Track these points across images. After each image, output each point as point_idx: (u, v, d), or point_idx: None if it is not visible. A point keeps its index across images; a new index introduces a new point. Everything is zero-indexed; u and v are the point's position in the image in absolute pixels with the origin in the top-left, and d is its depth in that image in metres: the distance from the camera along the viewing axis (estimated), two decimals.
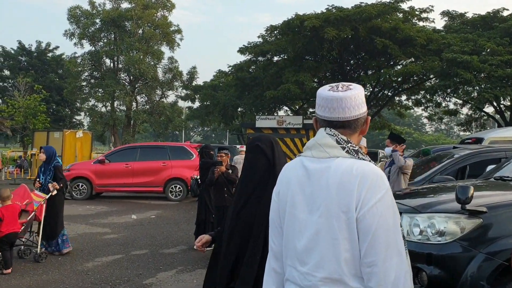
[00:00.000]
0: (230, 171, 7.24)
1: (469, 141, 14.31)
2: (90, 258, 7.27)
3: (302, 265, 1.68)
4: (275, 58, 26.65)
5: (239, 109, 31.10)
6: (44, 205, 6.65)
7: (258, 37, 27.00)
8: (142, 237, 8.99)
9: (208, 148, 8.30)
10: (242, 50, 26.05)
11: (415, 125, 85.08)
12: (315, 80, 25.67)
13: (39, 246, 6.77)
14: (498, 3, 63.58)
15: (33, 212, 6.41)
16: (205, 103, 31.85)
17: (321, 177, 1.67)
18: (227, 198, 7.17)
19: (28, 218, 6.35)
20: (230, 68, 29.69)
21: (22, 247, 6.77)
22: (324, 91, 1.77)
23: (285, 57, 25.12)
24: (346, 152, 1.69)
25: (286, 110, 33.89)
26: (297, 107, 31.78)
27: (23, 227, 6.25)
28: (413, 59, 23.52)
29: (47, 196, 6.70)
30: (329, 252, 1.61)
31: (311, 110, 33.52)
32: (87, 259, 7.20)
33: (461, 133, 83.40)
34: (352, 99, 1.72)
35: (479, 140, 13.71)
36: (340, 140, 1.71)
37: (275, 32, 25.27)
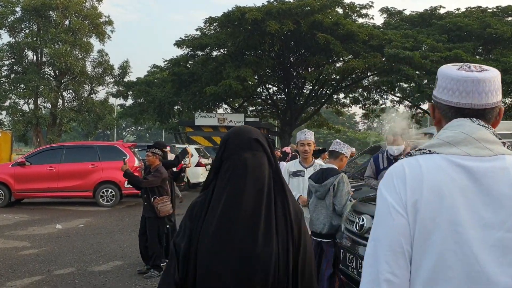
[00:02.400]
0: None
1: (419, 137, 14.05)
2: (1, 282, 5.87)
3: None
4: (215, 53, 25.55)
5: (176, 107, 29.70)
6: None
7: (196, 30, 25.77)
8: (67, 251, 7.62)
9: (160, 145, 7.06)
10: (179, 44, 24.69)
11: (349, 123, 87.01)
12: (256, 77, 24.90)
13: None
14: (435, 1, 65.92)
15: None
16: (139, 100, 30.17)
17: (497, 181, 1.29)
18: (145, 207, 6.38)
19: None
20: (166, 63, 28.21)
21: None
22: (454, 71, 1.39)
23: (225, 51, 24.09)
24: (507, 148, 1.35)
25: (226, 108, 32.94)
26: (236, 105, 30.89)
27: None
28: (351, 56, 23.34)
29: None
30: None
31: (251, 108, 32.80)
32: None
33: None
34: (493, 82, 1.36)
35: (430, 136, 13.45)
36: (495, 133, 1.37)
37: (215, 24, 24.17)
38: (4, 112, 31.97)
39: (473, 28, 20.95)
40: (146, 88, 28.95)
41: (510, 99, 23.82)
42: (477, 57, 21.06)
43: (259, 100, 31.54)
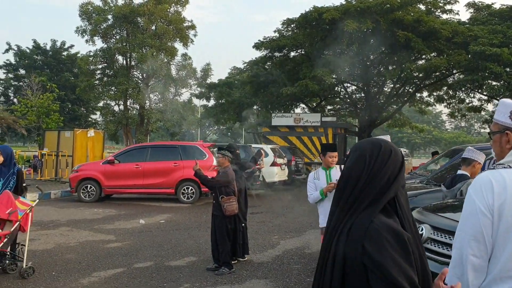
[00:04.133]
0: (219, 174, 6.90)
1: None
2: (88, 272, 6.49)
3: None
4: (292, 54, 25.71)
5: (255, 107, 30.28)
6: (30, 214, 5.87)
7: (275, 31, 26.08)
8: (148, 246, 8.19)
9: (232, 148, 7.47)
10: (257, 46, 25.16)
11: (435, 123, 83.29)
12: (334, 76, 24.71)
13: (24, 260, 5.99)
14: None
15: (18, 222, 5.63)
16: (220, 101, 31.10)
17: None
18: (214, 205, 6.81)
19: (12, 229, 5.57)
20: (245, 64, 28.87)
21: (7, 261, 5.99)
22: None
23: (303, 52, 24.16)
24: None
25: (303, 108, 33.00)
26: (314, 104, 30.83)
27: (6, 239, 5.48)
28: (435, 54, 22.41)
29: (34, 204, 5.93)
30: None
31: (329, 107, 32.59)
32: (83, 273, 6.41)
33: (482, 130, 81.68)
34: None
35: None
36: None
37: (292, 25, 24.33)
38: (98, 113, 34.48)
39: None
40: (227, 90, 29.80)
41: None
42: None
43: (337, 99, 31.24)
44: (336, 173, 5.50)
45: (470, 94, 26.44)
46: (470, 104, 27.39)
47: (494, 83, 20.90)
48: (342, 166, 5.52)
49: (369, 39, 21.88)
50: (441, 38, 20.46)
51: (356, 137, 29.18)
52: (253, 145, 18.85)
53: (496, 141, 2.06)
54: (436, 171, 9.19)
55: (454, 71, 23.44)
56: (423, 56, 23.01)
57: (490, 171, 1.90)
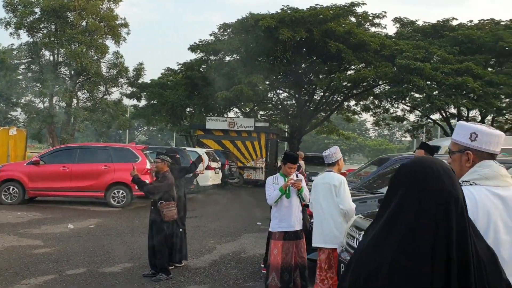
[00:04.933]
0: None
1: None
2: (16, 280, 6.15)
3: None
4: (228, 58, 25.86)
5: (188, 109, 30.03)
6: None
7: (210, 35, 26.10)
8: (79, 251, 7.89)
9: (171, 153, 7.39)
10: (193, 48, 25.02)
11: (359, 130, 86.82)
12: (267, 82, 25.13)
13: None
14: (448, 12, 65.95)
15: None
16: (152, 101, 30.53)
17: (509, 203, 2.07)
18: (152, 210, 6.70)
19: None
20: (180, 66, 28.58)
21: None
22: (490, 129, 2.23)
23: (238, 57, 24.35)
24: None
25: (236, 112, 33.22)
26: (247, 109, 31.15)
27: None
28: (363, 65, 23.47)
29: None
30: None
31: (261, 112, 33.05)
32: (12, 281, 6.07)
33: (403, 138, 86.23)
34: None
35: (435, 148, 13.54)
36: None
37: (228, 30, 24.46)
38: (19, 110, 32.54)
39: (485, 41, 20.96)
40: (159, 90, 29.30)
41: None
42: (489, 69, 21.05)
43: (270, 105, 31.77)
44: (292, 177, 5.74)
45: (394, 105, 27.95)
46: (394, 114, 28.96)
47: (416, 95, 22.23)
48: (299, 174, 5.75)
49: (302, 48, 22.53)
50: (370, 50, 21.48)
51: (286, 143, 29.83)
52: (187, 149, 18.70)
53: (456, 160, 2.26)
54: (366, 178, 9.63)
55: (380, 82, 24.67)
56: (353, 67, 24.01)
57: (463, 187, 1.85)
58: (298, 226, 5.69)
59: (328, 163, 5.46)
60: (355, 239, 4.00)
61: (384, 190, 7.37)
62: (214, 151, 20.13)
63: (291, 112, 29.17)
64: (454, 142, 2.33)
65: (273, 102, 30.33)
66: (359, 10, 22.52)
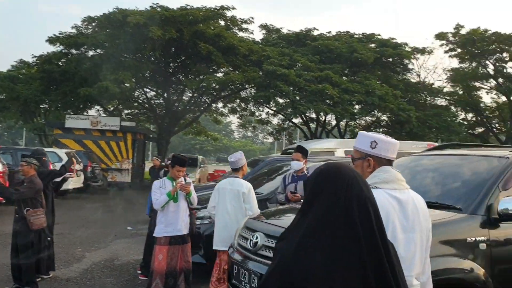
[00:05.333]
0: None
1: (292, 150, 14.92)
2: None
3: None
4: (91, 53, 24.37)
5: (43, 106, 27.66)
6: None
7: (72, 27, 24.34)
8: None
9: (37, 155, 6.63)
10: (52, 40, 23.10)
11: (225, 131, 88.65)
12: (133, 80, 24.27)
13: None
14: (310, 23, 70.64)
15: None
16: (1, 96, 27.51)
17: (408, 205, 2.33)
18: (16, 219, 5.95)
19: None
20: (35, 58, 26.16)
21: None
22: (387, 138, 2.50)
23: (102, 52, 23.10)
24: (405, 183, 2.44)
25: (98, 110, 31.48)
26: (111, 107, 29.71)
27: None
28: (231, 68, 23.96)
29: None
30: (418, 259, 2.33)
31: (126, 111, 31.80)
32: None
33: (265, 140, 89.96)
34: None
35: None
36: None
37: (93, 24, 23.08)
38: None
39: (342, 51, 22.88)
40: (9, 84, 26.50)
41: (370, 118, 26.45)
42: (344, 78, 23.00)
43: (135, 104, 30.73)
44: (180, 181, 5.59)
45: (260, 108, 29.05)
46: (259, 117, 30.09)
47: (281, 100, 23.37)
48: (187, 178, 5.64)
49: (172, 47, 22.22)
50: (239, 54, 22.00)
51: (155, 143, 29.16)
52: (45, 149, 17.16)
53: (358, 166, 2.46)
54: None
55: (247, 86, 25.43)
56: (222, 70, 24.36)
57: None
58: (185, 230, 5.57)
59: (233, 168, 5.60)
60: (249, 240, 4.03)
61: (262, 190, 7.57)
62: (75, 152, 18.80)
63: (159, 112, 28.57)
64: (356, 150, 2.52)
65: (139, 101, 29.39)
66: (228, 14, 22.94)
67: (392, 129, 24.48)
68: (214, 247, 5.47)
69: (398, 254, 2.04)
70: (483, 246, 3.54)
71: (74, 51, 24.34)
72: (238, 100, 29.29)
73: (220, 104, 30.91)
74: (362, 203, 1.62)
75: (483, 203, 3.70)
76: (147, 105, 29.39)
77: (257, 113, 29.89)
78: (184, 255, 5.58)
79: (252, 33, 26.62)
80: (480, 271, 3.47)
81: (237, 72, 22.79)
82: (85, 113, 26.65)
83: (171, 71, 25.61)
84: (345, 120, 26.37)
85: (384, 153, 2.46)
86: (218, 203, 5.50)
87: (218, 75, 24.97)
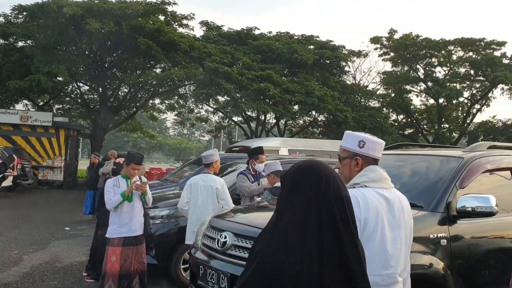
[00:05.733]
0: None
1: (236, 149, 14.90)
2: None
3: (387, 269, 2.33)
4: (20, 43, 22.94)
5: None
6: None
7: (0, 16, 22.81)
8: None
9: None
10: None
11: (159, 129, 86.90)
12: (67, 73, 23.12)
13: None
14: (252, 22, 70.85)
15: None
16: None
17: (395, 203, 2.40)
18: None
19: None
20: None
21: None
22: (374, 137, 2.56)
23: (33, 43, 21.81)
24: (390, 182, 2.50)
25: (27, 104, 29.75)
26: (40, 102, 28.15)
27: None
28: (171, 64, 23.48)
29: None
30: (403, 257, 2.40)
31: (57, 106, 30.30)
32: None
33: (202, 138, 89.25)
34: None
35: (246, 149, 14.37)
36: None
37: (24, 13, 21.74)
38: None
39: (282, 52, 23.15)
40: None
41: (308, 118, 27.00)
42: (284, 78, 23.30)
43: (67, 99, 29.33)
44: (135, 180, 5.39)
45: (199, 105, 28.76)
46: (198, 115, 29.78)
47: (222, 98, 23.24)
48: (143, 177, 5.49)
49: (110, 41, 21.41)
50: (179, 50, 21.60)
51: (89, 140, 28.01)
52: None
53: (346, 165, 2.51)
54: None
55: (187, 83, 25.05)
56: (162, 65, 23.83)
57: (355, 189, 2.37)
58: (139, 231, 5.41)
59: (204, 163, 5.75)
60: (216, 240, 3.96)
61: None
62: (3, 148, 17.66)
63: (94, 107, 27.46)
64: (344, 149, 2.55)
65: (72, 95, 28.08)
66: (169, 9, 22.45)
67: (329, 129, 25.15)
68: (187, 242, 5.57)
69: (386, 252, 2.34)
70: (443, 242, 3.70)
71: (1, 41, 22.84)
72: (176, 97, 28.80)
73: (157, 101, 30.26)
74: (340, 200, 1.67)
75: (442, 201, 3.87)
76: (79, 100, 28.14)
77: (196, 110, 29.58)
78: (139, 256, 5.42)
79: (192, 29, 26.29)
80: (439, 265, 3.63)
81: (177, 68, 22.38)
82: (11, 107, 25.09)
83: (107, 65, 24.69)
84: (284, 120, 26.77)
85: (372, 153, 2.51)
86: (190, 199, 5.56)
87: (157, 71, 24.41)
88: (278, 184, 5.62)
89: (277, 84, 21.03)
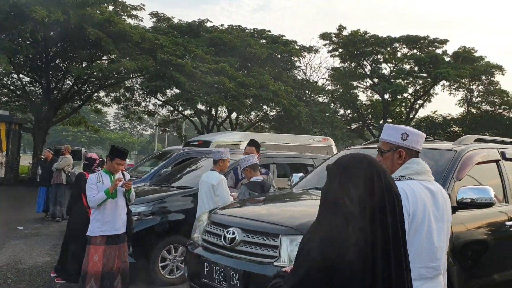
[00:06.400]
0: None
1: (196, 143, 14.67)
2: None
3: (433, 261, 2.33)
4: None
5: None
6: None
7: None
8: None
9: None
10: None
11: (100, 123, 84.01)
12: (8, 63, 21.74)
13: None
14: (203, 14, 69.88)
15: None
16: None
17: (439, 196, 2.40)
18: None
19: None
20: None
21: None
22: (416, 130, 2.55)
23: None
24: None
25: None
26: None
27: None
28: (120, 55, 22.66)
29: None
30: (445, 249, 2.43)
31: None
32: None
33: (144, 132, 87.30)
34: None
35: (206, 143, 14.18)
36: None
37: None
38: None
39: (236, 45, 23.00)
40: None
41: (260, 113, 27.07)
42: (240, 72, 23.20)
43: (6, 90, 27.64)
44: (120, 177, 5.16)
45: (147, 99, 28.03)
46: (146, 108, 29.01)
47: (169, 91, 22.73)
48: (126, 173, 5.27)
49: (56, 31, 20.36)
50: (130, 41, 20.91)
51: (31, 134, 26.55)
52: None
53: (388, 157, 2.49)
54: (154, 172, 9.37)
55: (139, 75, 24.32)
56: (111, 57, 22.97)
57: (402, 182, 2.34)
58: (122, 229, 5.20)
59: (213, 159, 5.98)
60: (223, 237, 3.84)
61: (193, 184, 7.24)
62: None
63: (35, 100, 26.05)
64: (385, 142, 2.52)
65: (11, 87, 26.48)
66: None
67: (281, 123, 25.33)
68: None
69: (432, 244, 2.35)
70: None
71: None
72: (122, 90, 27.89)
73: (102, 93, 29.14)
74: (391, 194, 1.63)
75: None
76: (19, 92, 26.58)
77: (143, 104, 28.80)
78: (121, 255, 5.23)
79: (142, 20, 25.54)
80: None
81: (127, 59, 21.64)
82: None
83: (51, 56, 23.48)
84: (235, 114, 26.69)
85: (415, 145, 2.51)
86: (198, 195, 5.79)
87: (105, 62, 23.51)
88: (255, 178, 5.56)
89: (231, 77, 20.89)
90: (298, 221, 3.58)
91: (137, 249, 6.29)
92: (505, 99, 28.35)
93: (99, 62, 23.59)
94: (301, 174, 5.70)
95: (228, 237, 3.75)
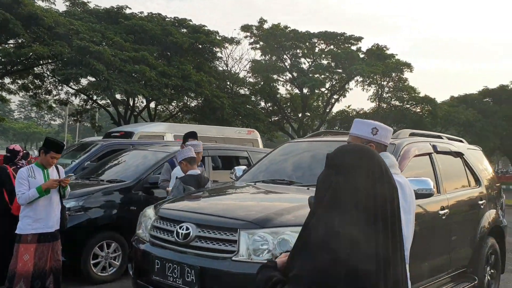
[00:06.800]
0: None
1: (117, 134, 14.12)
2: None
3: None
4: None
5: None
6: None
7: None
8: None
9: None
10: None
11: (2, 111, 77.99)
12: None
13: None
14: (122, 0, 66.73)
15: None
16: None
17: (406, 188, 2.53)
18: None
19: None
20: None
21: None
22: (385, 125, 2.69)
23: None
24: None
25: None
26: None
27: None
28: (31, 40, 21.09)
29: None
30: (410, 239, 2.60)
31: None
32: None
33: (52, 122, 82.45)
34: None
35: (128, 134, 13.70)
36: None
37: None
38: None
39: (156, 34, 22.32)
40: None
41: (179, 103, 26.60)
42: (160, 61, 22.56)
43: None
44: (53, 172, 4.74)
45: (59, 87, 26.44)
46: (57, 97, 27.35)
47: (84, 80, 21.55)
48: (59, 167, 4.95)
49: None
50: (42, 25, 19.52)
51: None
52: None
53: None
54: (78, 164, 8.88)
55: (42, 61, 22.76)
56: (20, 41, 21.28)
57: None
58: (56, 226, 4.88)
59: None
60: (175, 232, 3.70)
61: (124, 177, 6.93)
62: None
63: None
64: (356, 136, 2.57)
65: None
66: None
67: (203, 114, 25.10)
68: None
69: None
70: None
71: None
72: (31, 77, 26.03)
73: (7, 80, 26.99)
74: (390, 191, 1.65)
75: None
76: None
77: (54, 92, 27.10)
78: (54, 253, 4.93)
79: (54, 3, 23.91)
80: None
81: (37, 44, 20.18)
82: None
83: None
84: (153, 104, 26.00)
85: (384, 139, 2.61)
86: (173, 189, 5.50)
87: (10, 46, 21.74)
88: (191, 172, 5.45)
89: (152, 66, 20.27)
90: (256, 215, 3.55)
91: (67, 246, 5.94)
92: (413, 95, 30.31)
93: (5, 45, 21.80)
94: (244, 167, 5.65)
95: (182, 233, 3.63)
